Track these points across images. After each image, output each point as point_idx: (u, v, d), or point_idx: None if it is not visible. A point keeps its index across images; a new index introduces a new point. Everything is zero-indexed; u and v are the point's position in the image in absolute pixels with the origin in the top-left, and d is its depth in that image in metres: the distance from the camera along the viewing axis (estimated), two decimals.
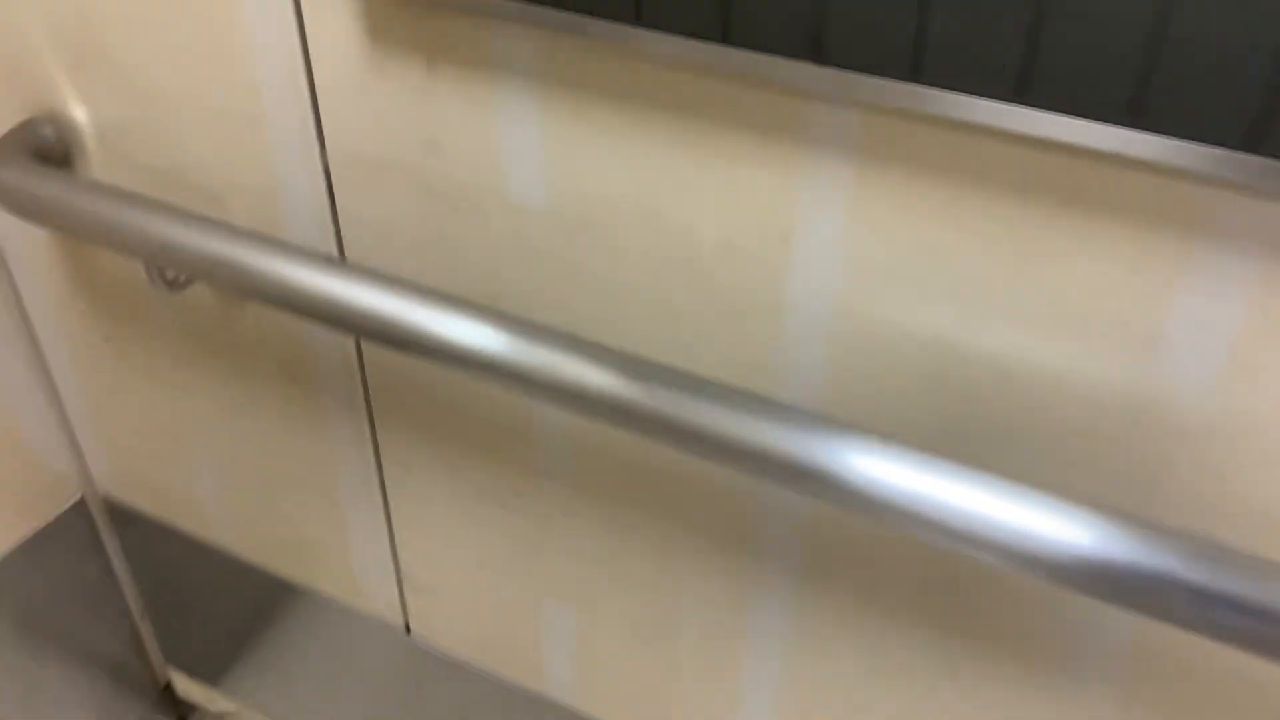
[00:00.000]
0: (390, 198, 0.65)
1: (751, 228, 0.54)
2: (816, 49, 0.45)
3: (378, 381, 0.76)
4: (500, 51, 0.56)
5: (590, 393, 0.55)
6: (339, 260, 0.66)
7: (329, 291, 0.61)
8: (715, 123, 0.52)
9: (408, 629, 0.90)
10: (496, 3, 0.51)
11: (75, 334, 0.90)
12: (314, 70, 0.62)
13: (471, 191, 0.62)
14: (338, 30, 0.60)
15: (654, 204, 0.56)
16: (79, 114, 0.75)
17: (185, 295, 0.79)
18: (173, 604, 1.09)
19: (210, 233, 0.65)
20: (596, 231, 0.59)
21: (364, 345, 0.74)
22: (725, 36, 0.46)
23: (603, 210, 0.58)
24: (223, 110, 0.68)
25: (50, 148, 0.77)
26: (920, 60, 0.43)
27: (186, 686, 1.16)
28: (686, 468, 0.66)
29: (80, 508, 1.04)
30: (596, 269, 0.60)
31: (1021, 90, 0.42)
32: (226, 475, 0.92)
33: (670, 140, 0.54)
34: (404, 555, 0.85)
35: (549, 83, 0.55)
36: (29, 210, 0.71)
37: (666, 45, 0.48)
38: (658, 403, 0.54)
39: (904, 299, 0.52)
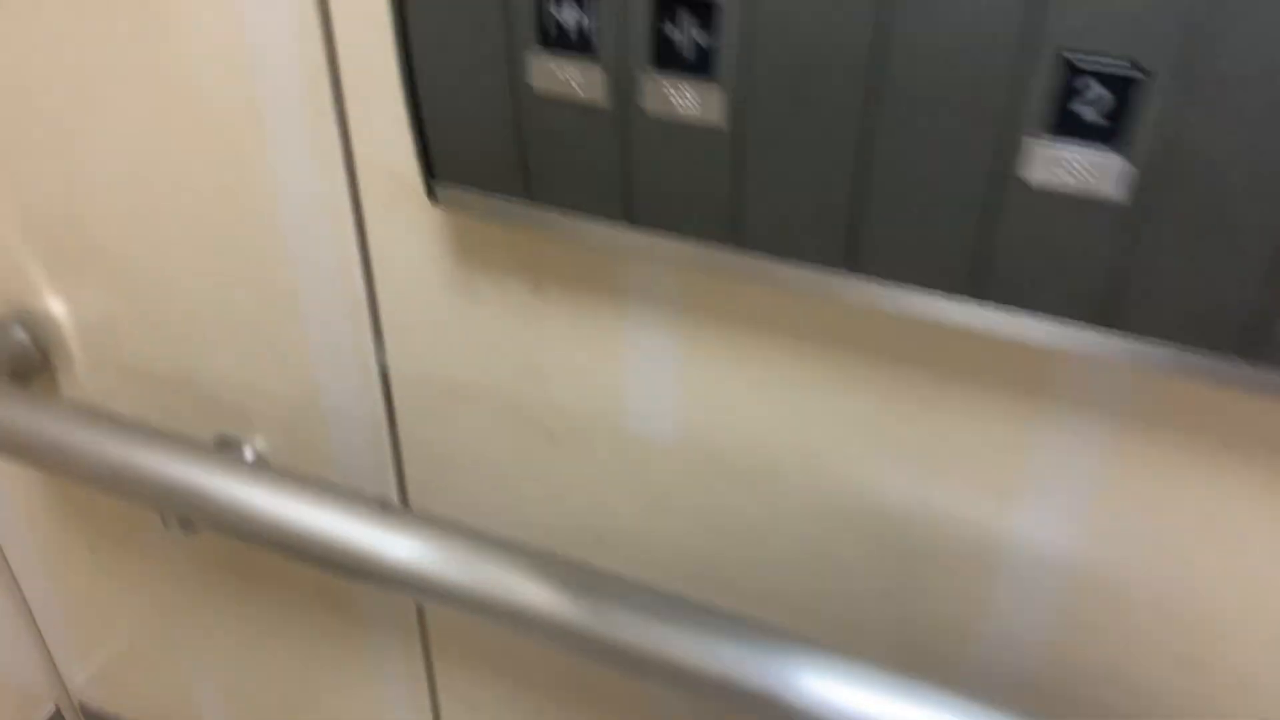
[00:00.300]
0: (469, 424, 0.53)
1: (963, 484, 0.44)
2: (1108, 315, 0.35)
3: (437, 611, 0.64)
4: (637, 279, 0.45)
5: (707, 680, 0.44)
6: (397, 508, 0.54)
7: (384, 554, 0.49)
8: (931, 372, 0.42)
9: None
10: (643, 241, 0.40)
11: (50, 539, 0.76)
12: (376, 282, 0.51)
13: (578, 421, 0.50)
14: (411, 242, 0.48)
15: (830, 453, 0.46)
16: (57, 309, 0.62)
17: (201, 534, 0.66)
18: None
19: (228, 475, 0.53)
20: (743, 476, 0.48)
21: None
22: (981, 292, 0.36)
23: (756, 455, 0.47)
24: (248, 314, 0.55)
25: (23, 353, 0.64)
26: (1258, 339, 0.33)
27: None
28: None
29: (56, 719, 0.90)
30: (737, 511, 0.50)
31: None
32: (235, 690, 0.79)
33: (863, 387, 0.43)
34: None
35: (698, 314, 0.45)
36: None
37: (887, 296, 0.38)
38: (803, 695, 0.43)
39: (1161, 570, 0.43)
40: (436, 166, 0.42)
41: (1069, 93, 0.31)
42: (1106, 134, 0.31)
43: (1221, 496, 0.40)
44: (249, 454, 0.62)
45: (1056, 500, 0.43)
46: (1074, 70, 0.30)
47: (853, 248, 0.37)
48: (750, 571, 0.51)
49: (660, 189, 0.38)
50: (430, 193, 0.43)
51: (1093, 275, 0.34)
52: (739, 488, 0.49)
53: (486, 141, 0.40)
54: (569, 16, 0.36)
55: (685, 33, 0.35)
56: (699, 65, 0.35)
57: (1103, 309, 0.34)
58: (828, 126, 0.34)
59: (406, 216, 0.48)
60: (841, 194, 0.35)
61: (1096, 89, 0.30)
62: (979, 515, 0.45)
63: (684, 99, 0.36)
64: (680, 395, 0.47)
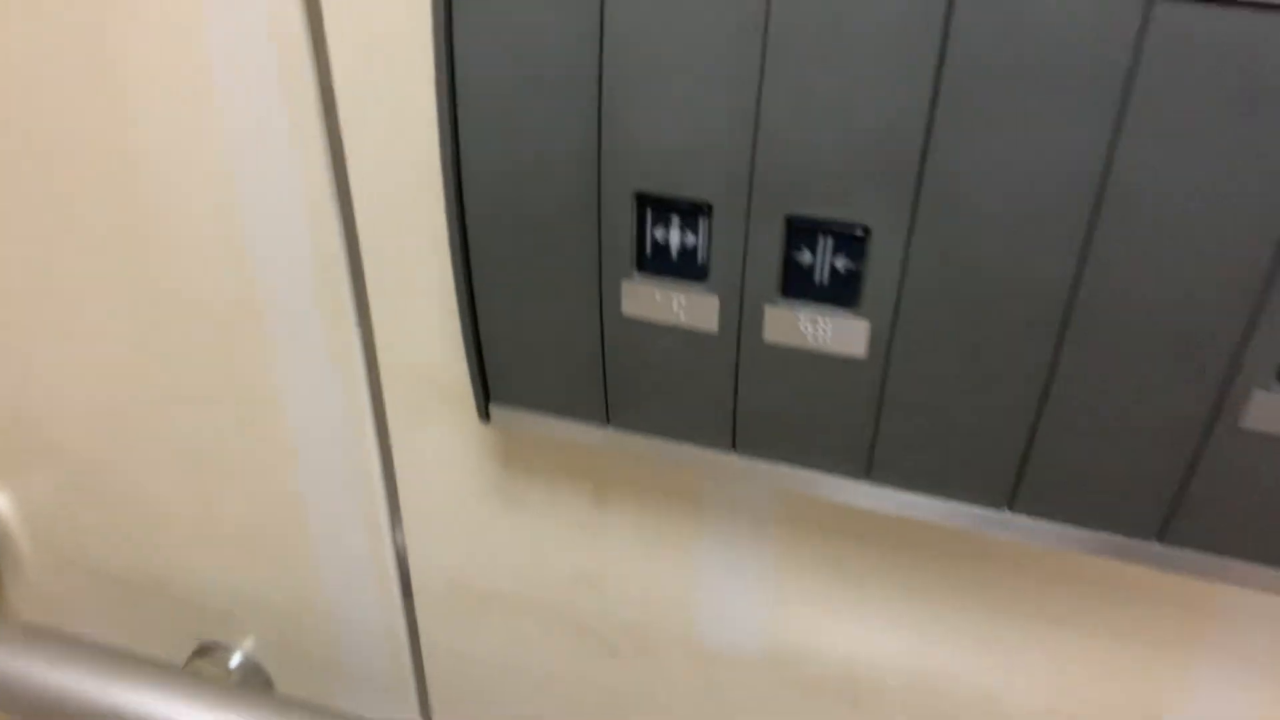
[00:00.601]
0: (510, 635, 0.47)
1: (1103, 701, 0.39)
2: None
3: None
4: (723, 494, 0.39)
5: None
6: None
7: None
8: (1080, 600, 0.37)
9: None
10: (745, 465, 0.34)
11: None
12: (400, 487, 0.44)
13: (644, 633, 0.44)
14: (446, 449, 0.42)
15: (944, 670, 0.40)
16: (1, 507, 0.54)
17: None
18: None
19: (205, 706, 0.45)
20: (837, 694, 0.43)
21: None
22: (1167, 536, 0.31)
23: (855, 672, 0.42)
24: (240, 518, 0.48)
25: None
26: None
27: None
28: None
29: None
30: None
31: None
32: None
33: (990, 608, 0.38)
34: None
35: (794, 530, 0.39)
36: None
37: (1048, 534, 0.32)
38: None
39: None
40: (494, 388, 0.36)
41: None
42: None
43: None
44: (235, 661, 0.54)
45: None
46: None
47: (1015, 488, 0.31)
48: None
49: (775, 417, 0.33)
50: (484, 414, 0.37)
51: None
52: (832, 705, 0.43)
53: (559, 366, 0.34)
54: (674, 239, 0.30)
55: (822, 259, 0.29)
56: (837, 294, 0.30)
57: None
58: (1001, 364, 0.29)
59: (442, 424, 0.41)
60: (1011, 436, 0.30)
61: None
62: None
63: (815, 329, 0.30)
64: (766, 610, 0.42)
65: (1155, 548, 0.31)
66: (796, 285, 0.30)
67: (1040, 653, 0.39)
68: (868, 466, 0.33)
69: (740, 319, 0.31)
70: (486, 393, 0.36)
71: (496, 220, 0.32)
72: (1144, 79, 0.24)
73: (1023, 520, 0.32)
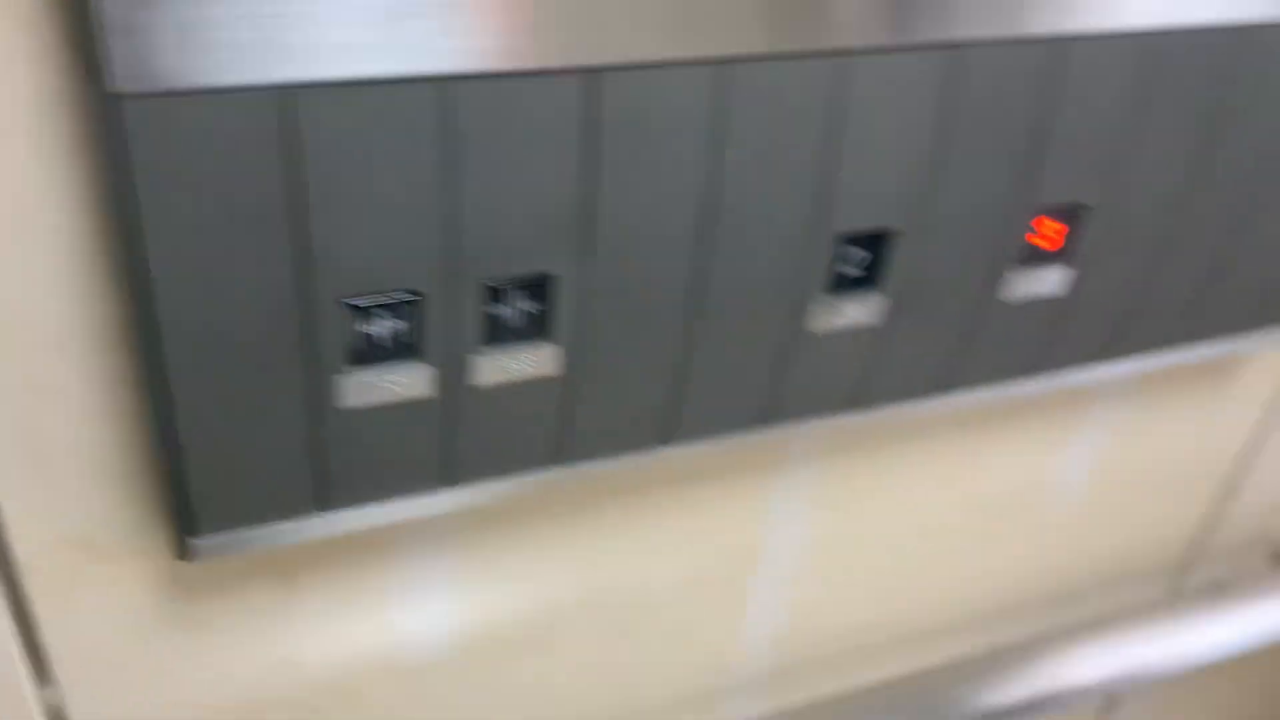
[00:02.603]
0: None
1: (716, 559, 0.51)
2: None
3: None
4: (414, 528, 0.42)
5: None
6: None
7: None
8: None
9: None
10: (463, 495, 0.39)
11: None
12: (52, 666, 0.40)
13: (347, 682, 0.47)
14: (107, 609, 0.39)
15: (604, 583, 0.49)
16: None
17: None
18: None
19: None
20: (529, 641, 0.50)
21: None
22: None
23: (538, 618, 0.49)
24: None
25: None
26: None
27: None
28: None
29: None
30: (524, 687, 0.51)
31: None
32: None
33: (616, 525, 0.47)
34: None
35: (472, 532, 0.44)
36: None
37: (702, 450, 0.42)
38: None
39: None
40: (200, 522, 0.35)
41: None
42: None
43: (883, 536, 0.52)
44: None
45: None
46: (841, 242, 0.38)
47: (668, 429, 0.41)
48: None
49: (487, 445, 0.38)
50: (185, 552, 0.36)
51: None
52: (521, 659, 0.50)
53: (268, 475, 0.35)
54: (383, 328, 0.33)
55: (515, 308, 0.35)
56: (529, 333, 0.35)
57: None
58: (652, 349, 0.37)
59: (100, 583, 0.39)
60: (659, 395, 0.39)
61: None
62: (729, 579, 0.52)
63: (516, 363, 0.36)
64: (457, 605, 0.47)
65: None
66: (495, 334, 0.35)
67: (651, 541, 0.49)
68: (565, 453, 0.40)
69: (450, 377, 0.35)
70: (193, 528, 0.35)
71: (197, 358, 0.32)
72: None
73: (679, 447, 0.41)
